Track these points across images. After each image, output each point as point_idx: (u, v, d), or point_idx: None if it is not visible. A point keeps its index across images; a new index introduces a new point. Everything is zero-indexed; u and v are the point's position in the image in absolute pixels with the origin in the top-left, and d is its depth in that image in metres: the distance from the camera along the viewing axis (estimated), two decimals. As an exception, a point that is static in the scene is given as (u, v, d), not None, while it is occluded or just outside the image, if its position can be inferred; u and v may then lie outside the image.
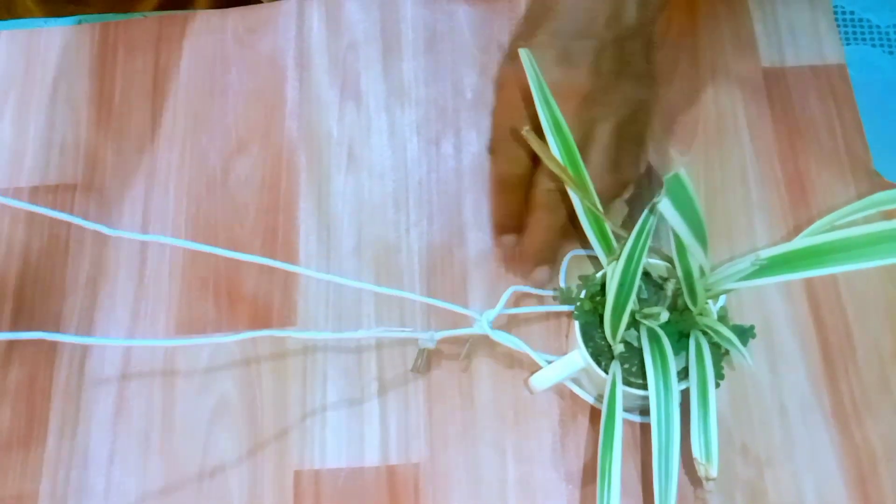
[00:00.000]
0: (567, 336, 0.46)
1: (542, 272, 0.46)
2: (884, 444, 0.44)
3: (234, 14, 0.57)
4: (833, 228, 0.33)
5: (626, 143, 0.44)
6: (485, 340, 0.46)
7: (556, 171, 0.36)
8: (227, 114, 0.54)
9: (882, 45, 0.53)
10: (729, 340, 0.34)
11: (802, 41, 0.53)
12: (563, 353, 0.44)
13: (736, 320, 0.46)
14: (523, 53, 0.41)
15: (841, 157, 0.50)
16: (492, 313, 0.46)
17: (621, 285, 0.34)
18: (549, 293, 0.46)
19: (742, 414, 0.45)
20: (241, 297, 0.49)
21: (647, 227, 0.33)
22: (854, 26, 0.53)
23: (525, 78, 0.42)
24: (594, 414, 0.45)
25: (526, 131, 0.36)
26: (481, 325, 0.45)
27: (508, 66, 0.47)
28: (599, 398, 0.44)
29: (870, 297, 0.47)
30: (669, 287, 0.37)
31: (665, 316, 0.35)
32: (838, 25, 0.53)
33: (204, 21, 0.56)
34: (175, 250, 0.50)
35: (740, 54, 0.53)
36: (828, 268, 0.31)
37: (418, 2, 0.56)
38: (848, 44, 0.53)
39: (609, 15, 0.43)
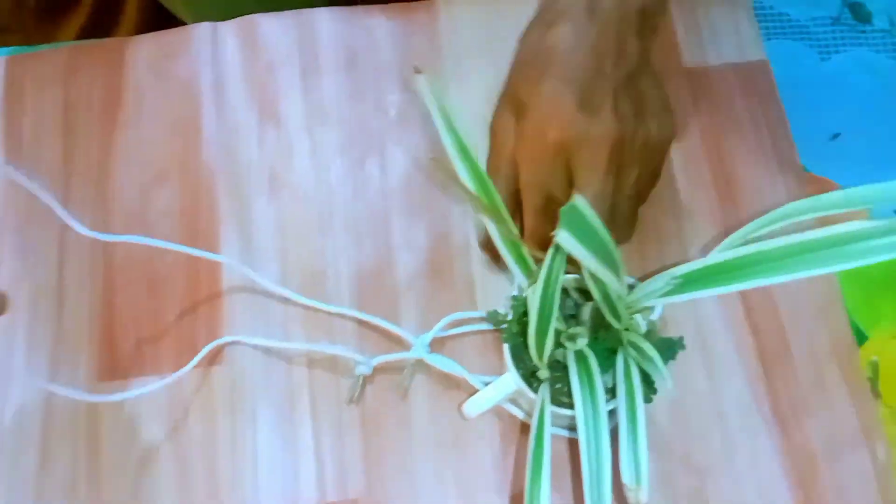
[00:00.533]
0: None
1: None
2: (823, 443, 0.44)
3: (147, 41, 0.55)
4: (748, 241, 0.33)
5: (645, 185, 0.44)
6: (420, 364, 0.45)
7: (467, 197, 0.35)
8: (142, 143, 0.52)
9: (802, 39, 0.53)
10: (650, 359, 0.33)
11: (724, 40, 0.53)
12: (502, 370, 0.43)
13: (669, 327, 0.45)
14: (421, 80, 0.40)
15: (768, 154, 0.50)
16: (427, 336, 0.45)
17: (541, 309, 0.33)
18: (480, 314, 0.45)
19: (681, 423, 0.44)
20: (165, 334, 0.47)
21: (559, 256, 0.32)
22: (773, 21, 0.53)
23: (527, 132, 0.41)
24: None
25: (433, 159, 0.35)
26: (418, 349, 0.44)
27: (504, 115, 0.45)
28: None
29: (802, 298, 0.46)
30: (586, 311, 0.36)
31: (583, 342, 0.34)
32: (759, 22, 0.53)
33: (115, 50, 0.54)
34: (94, 292, 0.48)
35: (663, 56, 0.52)
36: (740, 283, 0.30)
37: (335, 18, 0.55)
38: (769, 39, 0.52)
39: (615, 51, 0.41)
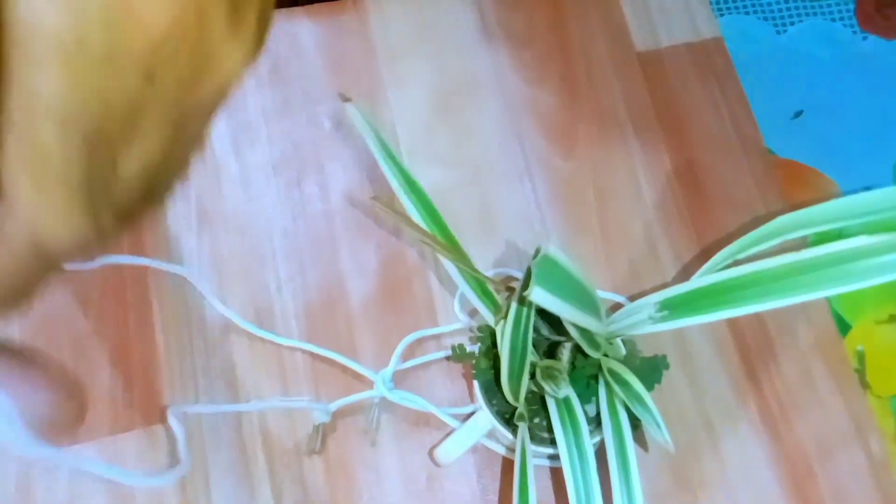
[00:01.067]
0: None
1: None
2: (816, 443, 0.42)
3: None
4: (727, 261, 0.30)
5: None
6: (383, 401, 0.41)
7: (422, 237, 0.31)
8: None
9: (755, 12, 0.50)
10: (636, 397, 0.30)
11: (675, 18, 0.50)
12: (471, 398, 0.40)
13: (646, 335, 0.42)
14: (351, 108, 0.35)
15: (731, 139, 0.47)
16: (388, 371, 0.41)
17: (513, 349, 0.30)
18: (443, 329, 0.42)
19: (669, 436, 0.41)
20: (99, 397, 0.42)
21: (531, 288, 0.29)
22: (724, -5, 0.50)
23: None
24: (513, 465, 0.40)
25: (373, 198, 0.31)
26: (379, 386, 0.40)
27: None
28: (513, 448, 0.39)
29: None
30: (566, 352, 0.32)
31: (565, 392, 0.31)
32: (708, -4, 0.50)
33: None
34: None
35: (613, 42, 0.49)
36: (730, 308, 0.27)
37: (254, 25, 0.50)
38: (721, 15, 0.49)
39: None
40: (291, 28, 0.50)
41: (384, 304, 0.44)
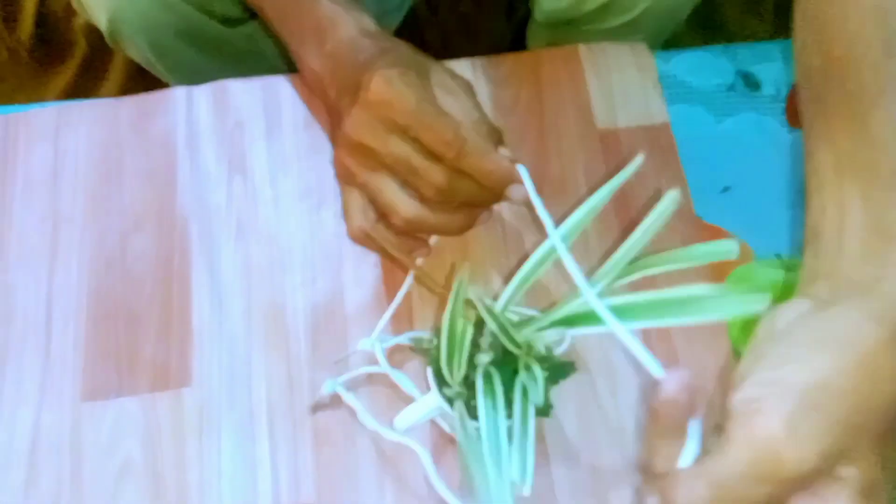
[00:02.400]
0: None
1: None
2: (710, 453, 0.51)
3: (128, 102, 0.62)
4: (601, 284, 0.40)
5: None
6: (364, 381, 0.52)
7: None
8: (123, 194, 0.59)
9: (701, 104, 0.61)
10: (534, 378, 0.40)
11: (632, 104, 0.61)
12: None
13: (581, 352, 0.52)
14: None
15: (668, 205, 0.57)
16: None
17: (450, 339, 0.41)
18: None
19: (589, 436, 0.51)
20: (140, 361, 0.54)
21: (461, 289, 0.40)
22: (676, 88, 0.61)
23: None
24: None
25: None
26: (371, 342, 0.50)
27: None
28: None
29: (693, 330, 0.54)
30: (486, 339, 0.43)
31: (484, 359, 0.41)
32: (662, 88, 0.61)
33: (99, 110, 0.61)
34: (77, 323, 0.55)
35: (579, 118, 0.60)
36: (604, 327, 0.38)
37: (296, 84, 0.62)
38: (671, 104, 0.60)
39: None
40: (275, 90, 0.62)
41: (374, 310, 0.55)
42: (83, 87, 0.64)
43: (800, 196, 0.60)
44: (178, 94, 0.62)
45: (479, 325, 0.45)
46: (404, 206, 0.48)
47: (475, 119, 0.49)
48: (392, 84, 0.46)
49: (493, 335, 0.42)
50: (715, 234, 0.56)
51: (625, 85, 0.61)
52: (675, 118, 0.60)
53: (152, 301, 0.55)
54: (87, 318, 0.55)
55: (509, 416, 0.42)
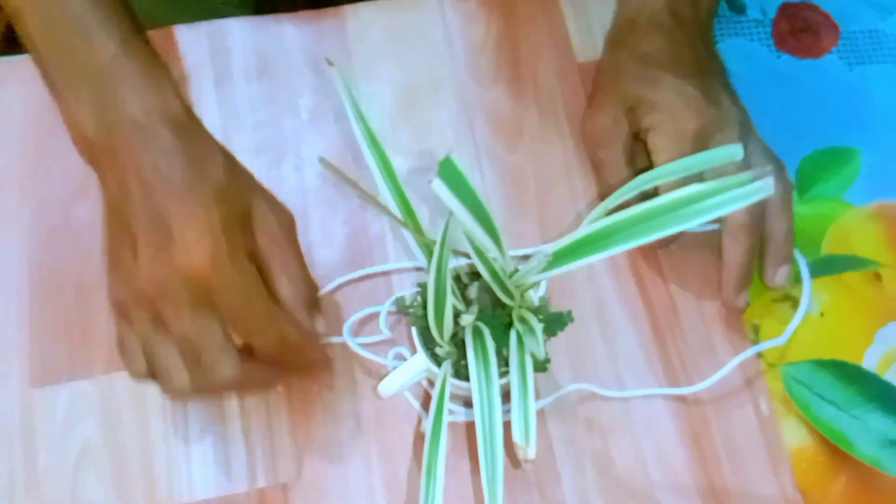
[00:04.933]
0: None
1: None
2: (711, 400, 0.48)
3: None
4: (604, 212, 0.37)
5: None
6: (343, 352, 0.48)
7: (359, 195, 0.38)
8: (64, 156, 0.53)
9: (684, 32, 0.57)
10: (531, 330, 0.37)
11: (612, 34, 0.57)
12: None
13: (570, 300, 0.49)
14: (334, 72, 0.42)
15: (654, 140, 0.54)
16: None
17: (437, 291, 0.37)
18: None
19: (584, 389, 0.48)
20: (94, 338, 0.49)
21: (447, 233, 0.36)
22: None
23: (663, 124, 0.47)
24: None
25: (320, 159, 0.38)
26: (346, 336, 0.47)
27: (610, 114, 0.50)
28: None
29: (688, 268, 0.51)
30: (474, 289, 0.39)
31: (470, 318, 0.38)
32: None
33: (32, 64, 0.55)
34: (20, 301, 0.50)
35: (557, 52, 0.56)
36: (606, 250, 0.34)
37: (246, 27, 0.57)
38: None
39: (706, 51, 0.52)
40: (278, 30, 0.57)
41: (348, 272, 0.51)
42: (14, 39, 0.58)
43: (792, 126, 0.57)
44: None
45: (458, 278, 0.42)
46: (180, 380, 0.39)
47: (295, 277, 0.41)
48: (217, 262, 0.37)
49: (482, 287, 0.38)
50: (706, 168, 0.52)
51: (603, 14, 0.57)
52: (657, 48, 0.56)
53: (102, 271, 0.50)
54: (31, 295, 0.50)
55: (502, 374, 0.39)
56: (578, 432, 0.47)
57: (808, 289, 0.49)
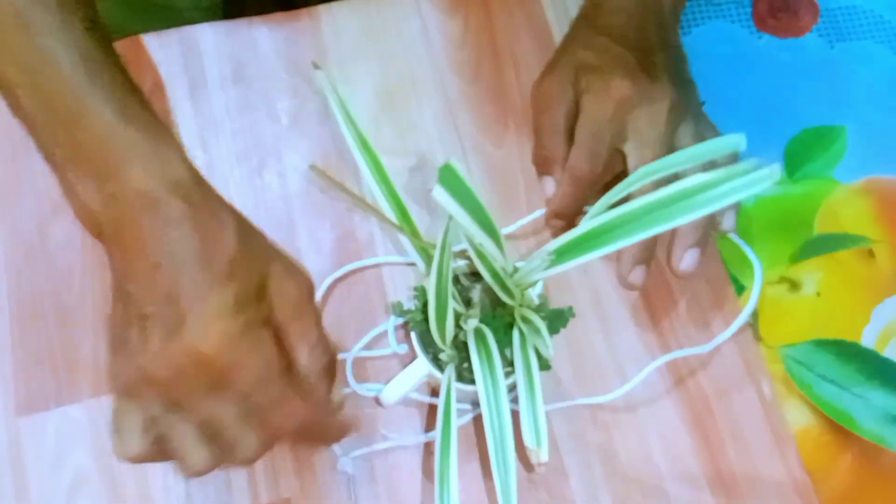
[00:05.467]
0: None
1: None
2: (713, 384, 0.48)
3: (26, 70, 0.54)
4: (604, 207, 0.36)
5: None
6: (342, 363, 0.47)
7: (351, 199, 0.37)
8: (35, 173, 0.51)
9: (664, 17, 0.56)
10: (537, 331, 0.36)
11: (592, 22, 0.56)
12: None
13: (566, 295, 0.48)
14: (320, 75, 0.41)
15: (641, 127, 0.53)
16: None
17: (438, 295, 0.36)
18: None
19: (585, 383, 0.47)
20: (79, 362, 0.47)
21: (448, 237, 0.35)
22: (636, 1, 0.57)
23: (593, 87, 0.47)
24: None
25: (311, 167, 0.36)
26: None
27: (560, 77, 0.50)
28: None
29: (683, 255, 0.50)
30: (476, 291, 0.38)
31: (474, 322, 0.37)
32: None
33: None
34: (1, 327, 0.48)
35: (537, 43, 0.55)
36: (610, 245, 0.33)
37: (217, 32, 0.55)
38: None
39: (658, 30, 0.51)
40: (251, 34, 0.55)
41: (338, 279, 0.49)
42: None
43: (774, 107, 0.57)
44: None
45: (457, 280, 0.41)
46: (200, 461, 0.36)
47: (313, 345, 0.38)
48: (233, 344, 0.35)
49: (484, 288, 0.38)
50: (694, 153, 0.52)
51: (581, 1, 0.56)
52: (638, 34, 0.55)
53: (84, 292, 0.49)
54: (11, 320, 0.48)
55: (506, 374, 0.38)
56: (582, 427, 0.46)
57: (759, 280, 0.48)
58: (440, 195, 0.29)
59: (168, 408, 0.36)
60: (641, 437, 0.46)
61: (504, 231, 0.50)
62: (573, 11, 0.56)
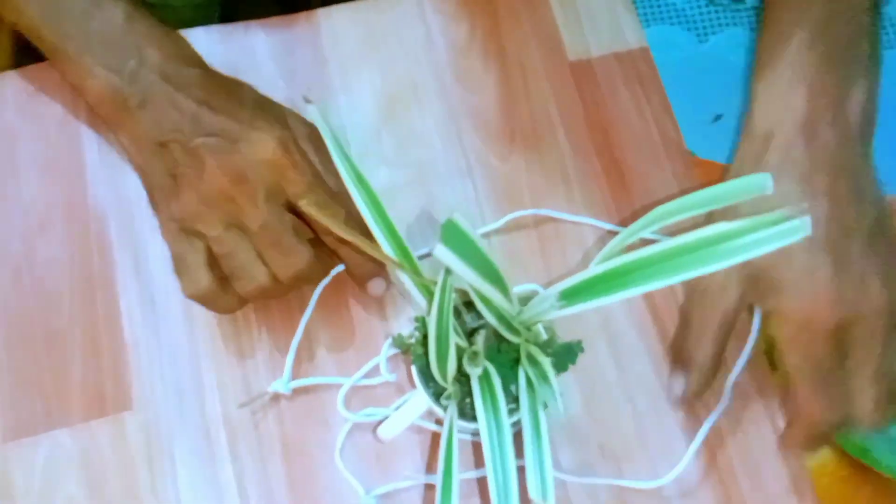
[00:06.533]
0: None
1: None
2: (728, 418, 0.46)
3: (11, 77, 0.52)
4: (619, 246, 0.34)
5: None
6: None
7: (347, 236, 0.35)
8: (19, 191, 0.49)
9: (679, 23, 0.54)
10: (545, 377, 0.34)
11: (604, 29, 0.53)
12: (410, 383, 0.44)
13: (576, 323, 0.46)
14: (313, 110, 0.39)
15: (654, 141, 0.51)
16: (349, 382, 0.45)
17: (439, 335, 0.34)
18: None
19: (595, 413, 0.46)
20: (68, 386, 0.46)
21: (448, 281, 0.33)
22: (651, 7, 0.54)
23: (789, 312, 0.39)
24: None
25: (305, 203, 0.35)
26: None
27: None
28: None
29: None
30: (481, 337, 0.36)
31: (478, 372, 0.35)
32: (636, 8, 0.54)
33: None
34: (-13, 350, 0.46)
35: (546, 51, 0.53)
36: (622, 292, 0.31)
37: (213, 39, 0.53)
38: (648, 25, 0.53)
39: (856, 196, 0.40)
40: (248, 41, 0.53)
41: (338, 297, 0.48)
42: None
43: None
44: (72, 64, 0.52)
45: (458, 313, 0.39)
46: (260, 276, 0.42)
47: (337, 175, 0.42)
48: (289, 149, 0.41)
49: (487, 329, 0.36)
50: (710, 170, 0.49)
51: (593, 8, 0.54)
52: (652, 41, 0.53)
53: (73, 314, 0.47)
54: (0, 343, 0.46)
55: (510, 411, 0.36)
56: (591, 460, 0.45)
57: (757, 320, 0.45)
58: (443, 254, 0.27)
59: (227, 226, 0.41)
60: (653, 471, 0.45)
61: (496, 224, 0.48)
62: (584, 18, 0.54)
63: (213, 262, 0.42)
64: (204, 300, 0.43)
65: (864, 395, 0.40)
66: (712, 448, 0.45)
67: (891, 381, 0.40)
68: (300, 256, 0.41)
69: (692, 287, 0.44)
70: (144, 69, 0.42)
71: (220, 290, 0.42)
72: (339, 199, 0.42)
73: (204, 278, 0.42)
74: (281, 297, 0.46)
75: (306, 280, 0.43)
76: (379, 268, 0.45)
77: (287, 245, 0.41)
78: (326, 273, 0.45)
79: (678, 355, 0.45)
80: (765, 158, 0.41)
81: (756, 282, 0.40)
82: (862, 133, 0.41)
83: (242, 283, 0.42)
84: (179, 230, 0.42)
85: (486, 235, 0.49)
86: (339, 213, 0.41)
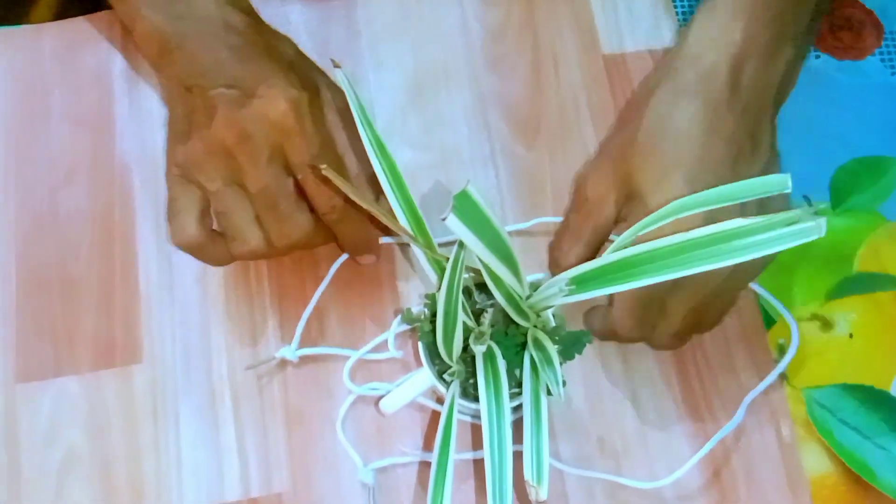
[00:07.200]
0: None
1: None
2: (735, 432, 0.45)
3: (52, 29, 0.52)
4: (632, 237, 0.33)
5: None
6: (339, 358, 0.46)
7: (366, 203, 0.35)
8: (50, 141, 0.50)
9: (717, 25, 0.53)
10: (550, 363, 0.34)
11: (641, 25, 0.53)
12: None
13: (585, 306, 0.46)
14: (340, 74, 0.39)
15: (682, 142, 0.50)
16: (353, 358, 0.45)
17: (446, 313, 0.34)
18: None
19: (597, 406, 0.45)
20: (80, 336, 0.46)
21: (461, 256, 0.33)
22: (691, 8, 0.54)
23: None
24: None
25: (325, 169, 0.35)
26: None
27: (603, 180, 0.42)
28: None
29: (712, 282, 0.48)
30: (488, 315, 0.36)
31: (482, 349, 0.35)
32: (675, 7, 0.53)
33: (17, 39, 0.52)
34: (5, 294, 0.47)
35: (581, 43, 0.53)
36: (633, 281, 0.31)
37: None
38: (685, 23, 0.53)
39: (750, 146, 0.40)
40: (284, 11, 0.53)
41: (354, 275, 0.48)
42: (9, 9, 0.54)
43: (824, 130, 0.54)
44: (112, 20, 0.53)
45: (469, 293, 0.39)
46: (254, 239, 0.41)
47: (361, 154, 0.42)
48: (300, 113, 0.40)
49: (497, 307, 0.36)
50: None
51: (632, 2, 0.53)
52: (688, 41, 0.52)
53: (91, 265, 0.48)
54: (18, 288, 0.47)
55: (512, 395, 0.36)
56: (589, 453, 0.45)
57: (795, 338, 0.46)
58: (454, 224, 0.27)
59: (227, 182, 0.40)
60: (651, 471, 0.44)
61: (520, 226, 0.48)
62: (622, 14, 0.53)
63: (209, 214, 0.42)
64: (190, 249, 0.41)
65: (668, 324, 0.41)
66: (714, 456, 0.45)
67: (700, 314, 0.41)
68: (297, 225, 0.40)
69: (576, 191, 0.45)
70: (189, 13, 0.41)
71: (209, 242, 0.41)
72: (345, 176, 0.41)
73: (191, 227, 0.40)
74: (276, 258, 0.45)
75: (302, 247, 0.42)
76: (371, 244, 0.45)
77: (285, 211, 0.40)
78: (324, 242, 0.44)
79: (552, 253, 0.46)
80: (683, 73, 0.41)
81: (630, 202, 0.42)
82: (778, 94, 0.42)
83: (235, 245, 0.41)
84: (180, 176, 0.41)
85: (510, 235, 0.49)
86: (334, 196, 0.40)
